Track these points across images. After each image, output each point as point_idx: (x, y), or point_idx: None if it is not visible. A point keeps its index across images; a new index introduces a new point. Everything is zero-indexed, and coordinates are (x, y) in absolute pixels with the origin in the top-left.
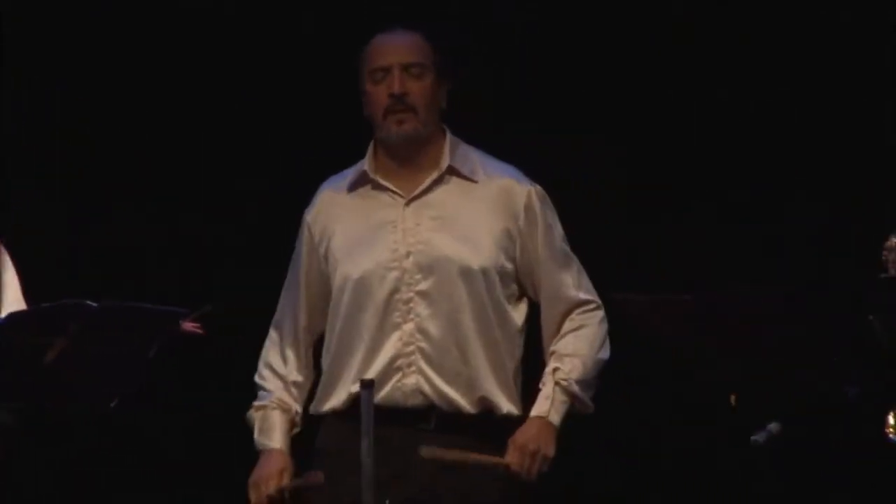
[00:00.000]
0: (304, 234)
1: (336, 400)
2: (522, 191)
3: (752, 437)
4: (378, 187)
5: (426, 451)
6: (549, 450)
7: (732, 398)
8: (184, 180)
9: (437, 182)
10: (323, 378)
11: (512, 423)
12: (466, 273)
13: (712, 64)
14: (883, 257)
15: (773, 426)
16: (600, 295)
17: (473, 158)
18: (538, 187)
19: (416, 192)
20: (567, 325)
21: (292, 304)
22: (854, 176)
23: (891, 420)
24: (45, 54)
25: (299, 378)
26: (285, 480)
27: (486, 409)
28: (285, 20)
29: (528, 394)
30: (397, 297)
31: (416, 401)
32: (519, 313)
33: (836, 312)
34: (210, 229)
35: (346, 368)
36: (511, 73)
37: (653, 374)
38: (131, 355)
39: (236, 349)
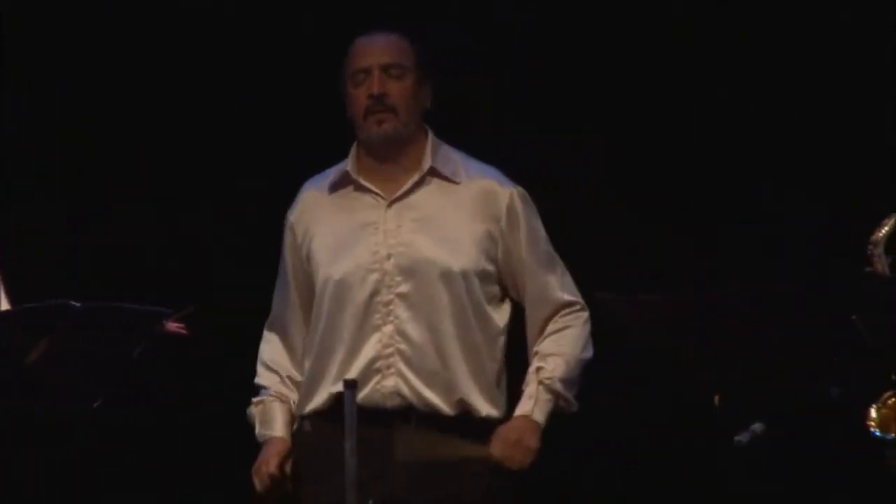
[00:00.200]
0: (288, 235)
1: (318, 400)
2: (504, 193)
3: (736, 438)
4: (360, 188)
5: (410, 451)
6: (533, 441)
7: (716, 399)
8: (180, 180)
9: (419, 184)
10: (305, 379)
11: (492, 426)
12: (446, 275)
13: (709, 63)
14: (868, 252)
15: (757, 426)
16: (586, 295)
17: (455, 160)
18: (520, 189)
19: (398, 193)
20: (551, 327)
21: (283, 304)
22: (852, 175)
23: (873, 413)
24: (45, 54)
25: (296, 373)
26: (284, 461)
27: (465, 412)
28: (282, 20)
29: (514, 396)
30: (377, 298)
31: (395, 402)
32: (501, 315)
33: (819, 313)
34: (208, 229)
35: (327, 369)
36: (508, 72)
37: (637, 374)
38: (115, 355)
39: (233, 348)
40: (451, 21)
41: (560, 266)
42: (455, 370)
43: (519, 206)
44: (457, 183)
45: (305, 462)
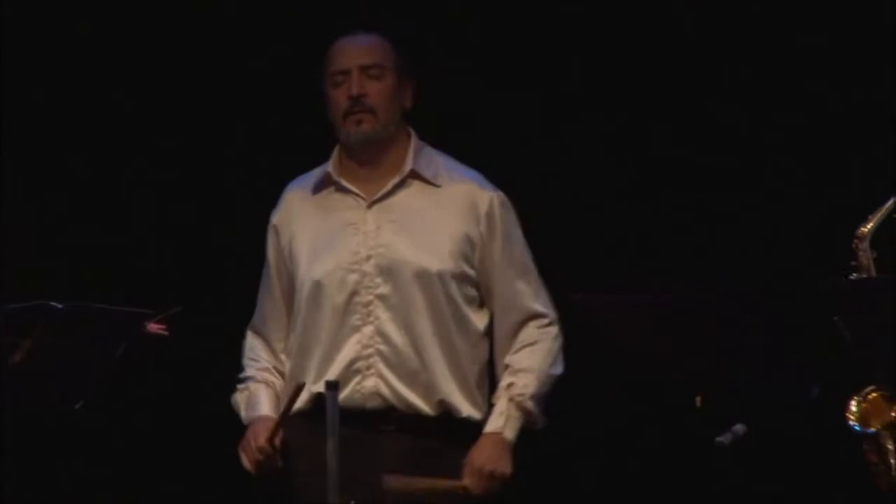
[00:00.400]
0: (272, 237)
1: (299, 401)
2: (485, 197)
3: (717, 439)
4: (341, 189)
5: (387, 484)
6: (506, 468)
7: (697, 399)
8: (166, 181)
9: (400, 185)
10: (287, 379)
11: (472, 427)
12: (424, 277)
13: (692, 59)
14: (853, 245)
15: (739, 427)
16: (565, 295)
17: (437, 162)
18: (500, 194)
19: (378, 195)
20: (521, 338)
21: (267, 305)
22: (837, 174)
23: (853, 407)
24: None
25: (283, 368)
26: (272, 432)
27: (446, 412)
28: (265, 20)
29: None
30: (357, 299)
31: (375, 403)
32: (481, 318)
33: (800, 312)
34: (193, 230)
35: (307, 370)
36: (489, 72)
37: (617, 374)
38: (97, 356)
39: (218, 349)
40: (430, 21)
41: (535, 276)
42: (435, 371)
43: (498, 211)
44: (437, 186)
45: (287, 462)
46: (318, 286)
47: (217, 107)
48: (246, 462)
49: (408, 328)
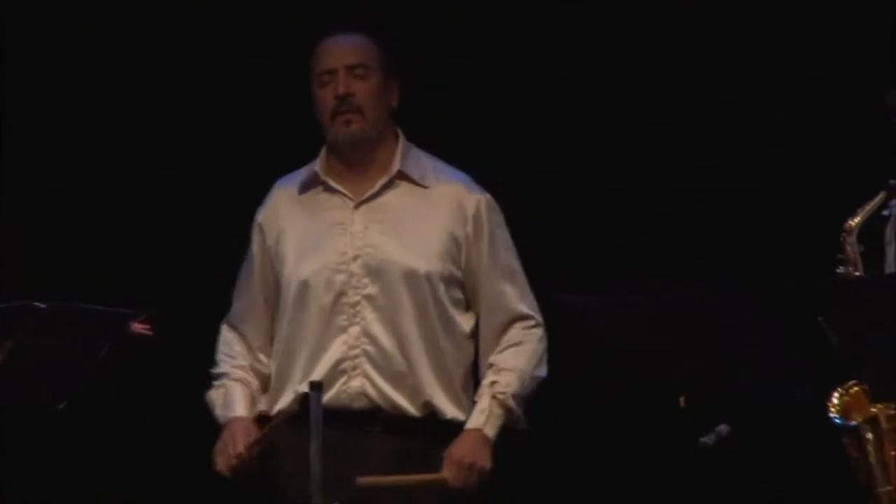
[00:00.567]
0: (256, 235)
1: (284, 401)
2: (472, 199)
3: (701, 440)
4: (329, 189)
5: (362, 481)
6: (486, 462)
7: (681, 400)
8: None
9: (387, 186)
10: (272, 379)
11: (457, 428)
12: (412, 278)
13: (700, 62)
14: (841, 239)
15: (722, 428)
16: (551, 295)
17: (425, 164)
18: (488, 196)
19: (366, 195)
20: (506, 339)
21: (246, 303)
22: (823, 174)
23: (834, 400)
24: None
25: (258, 364)
26: (250, 438)
27: (431, 414)
28: (251, 19)
29: None
30: (344, 300)
31: (361, 403)
32: (466, 320)
33: (784, 313)
34: (176, 229)
35: (293, 370)
36: (474, 73)
37: (601, 375)
38: (81, 356)
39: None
40: (431, 21)
41: (521, 279)
42: (420, 372)
43: (485, 213)
44: (425, 187)
45: (272, 462)
46: (304, 286)
47: (217, 107)
48: (221, 466)
49: (394, 329)
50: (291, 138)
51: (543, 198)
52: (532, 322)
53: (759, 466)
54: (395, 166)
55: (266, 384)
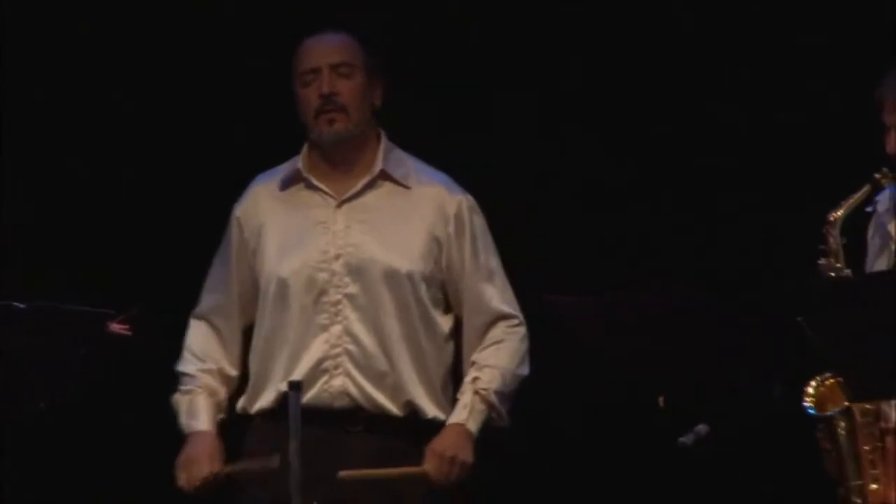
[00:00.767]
0: (234, 229)
1: (265, 400)
2: (453, 200)
3: (680, 439)
4: (311, 187)
5: (344, 474)
6: (468, 456)
7: (660, 400)
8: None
9: (370, 186)
10: (251, 377)
11: (438, 428)
12: (393, 277)
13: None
14: (824, 230)
15: (701, 428)
16: (532, 295)
17: (407, 164)
18: (469, 197)
19: (348, 194)
20: (489, 337)
21: (220, 296)
22: (806, 175)
23: (810, 390)
24: None
25: (227, 367)
26: (217, 463)
27: (412, 413)
28: (231, 17)
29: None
30: (325, 298)
31: (343, 402)
32: (447, 320)
33: (764, 313)
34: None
35: (274, 369)
36: (456, 74)
37: (580, 374)
38: (59, 356)
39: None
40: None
41: (502, 278)
42: (402, 372)
43: (467, 214)
44: (407, 187)
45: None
46: (285, 284)
47: (217, 107)
48: (183, 481)
49: (376, 328)
50: (292, 138)
51: (543, 198)
52: (515, 321)
53: (738, 465)
54: (378, 166)
55: (232, 388)
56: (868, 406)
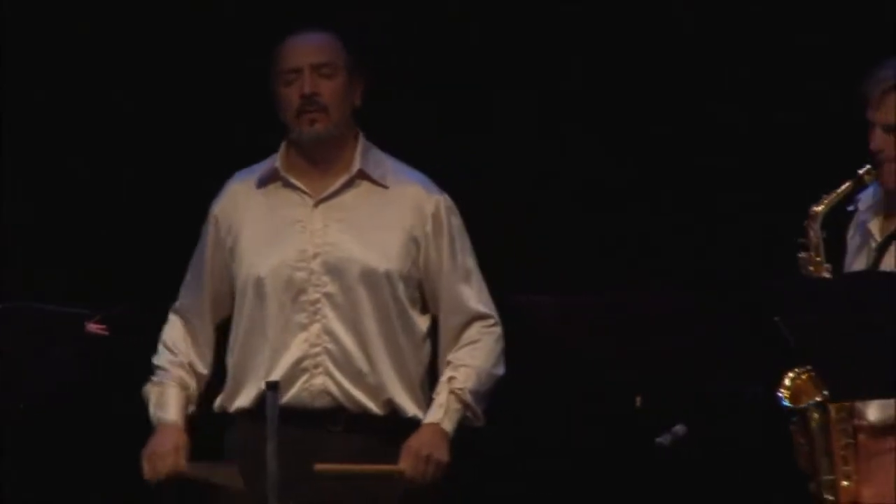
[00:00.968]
0: (211, 227)
1: (244, 399)
2: (431, 199)
3: (658, 440)
4: (288, 185)
5: (320, 466)
6: (443, 455)
7: (637, 400)
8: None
9: (348, 185)
10: (229, 376)
11: (418, 427)
12: (371, 277)
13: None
14: (805, 224)
15: (679, 428)
16: (508, 296)
17: (385, 164)
18: (447, 197)
19: (326, 193)
20: (465, 337)
21: (194, 293)
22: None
23: (786, 382)
24: None
25: (198, 363)
26: (181, 458)
27: (393, 412)
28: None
29: None
30: (304, 297)
31: (323, 402)
32: (424, 320)
33: (740, 313)
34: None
35: (253, 368)
36: (432, 74)
37: (557, 375)
38: (37, 357)
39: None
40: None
41: (478, 279)
42: (382, 371)
43: (444, 214)
44: (385, 187)
45: (232, 461)
46: (263, 282)
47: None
48: (147, 471)
49: (355, 327)
50: (218, 134)
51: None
52: (491, 321)
53: (714, 465)
54: (356, 165)
55: (202, 385)
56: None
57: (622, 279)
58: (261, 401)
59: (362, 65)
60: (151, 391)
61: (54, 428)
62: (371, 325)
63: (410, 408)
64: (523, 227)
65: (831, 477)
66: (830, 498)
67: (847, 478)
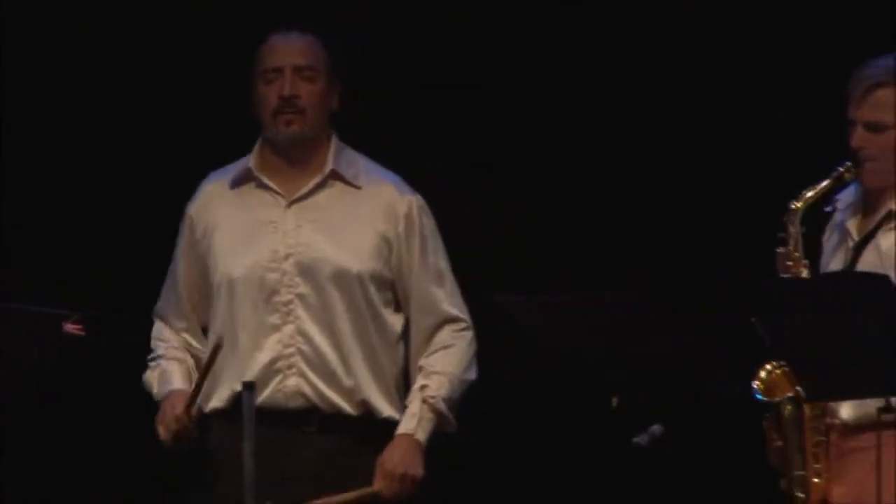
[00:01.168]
0: (186, 229)
1: (218, 400)
2: (403, 200)
3: (635, 440)
4: (261, 186)
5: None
6: (418, 470)
7: (614, 400)
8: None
9: (321, 186)
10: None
11: (393, 427)
12: (343, 277)
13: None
14: (784, 218)
15: (656, 428)
16: (484, 296)
17: (358, 164)
18: (419, 198)
19: (299, 194)
20: (436, 342)
21: (175, 299)
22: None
23: (762, 374)
24: None
25: (192, 349)
26: (191, 413)
27: (367, 413)
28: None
29: None
30: (277, 298)
31: (297, 402)
32: (397, 320)
33: (718, 313)
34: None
35: (227, 368)
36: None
37: (534, 375)
38: (13, 357)
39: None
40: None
41: (450, 281)
42: (356, 371)
43: (416, 214)
44: (358, 187)
45: (209, 462)
46: (236, 283)
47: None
48: (162, 433)
49: (328, 328)
50: (193, 134)
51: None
52: (462, 325)
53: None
54: (329, 165)
55: (199, 362)
56: None
57: (622, 279)
58: (235, 401)
59: (342, 70)
60: (151, 376)
61: (50, 428)
62: (344, 326)
63: (385, 408)
64: (523, 227)
65: (803, 473)
66: (801, 495)
67: (818, 475)
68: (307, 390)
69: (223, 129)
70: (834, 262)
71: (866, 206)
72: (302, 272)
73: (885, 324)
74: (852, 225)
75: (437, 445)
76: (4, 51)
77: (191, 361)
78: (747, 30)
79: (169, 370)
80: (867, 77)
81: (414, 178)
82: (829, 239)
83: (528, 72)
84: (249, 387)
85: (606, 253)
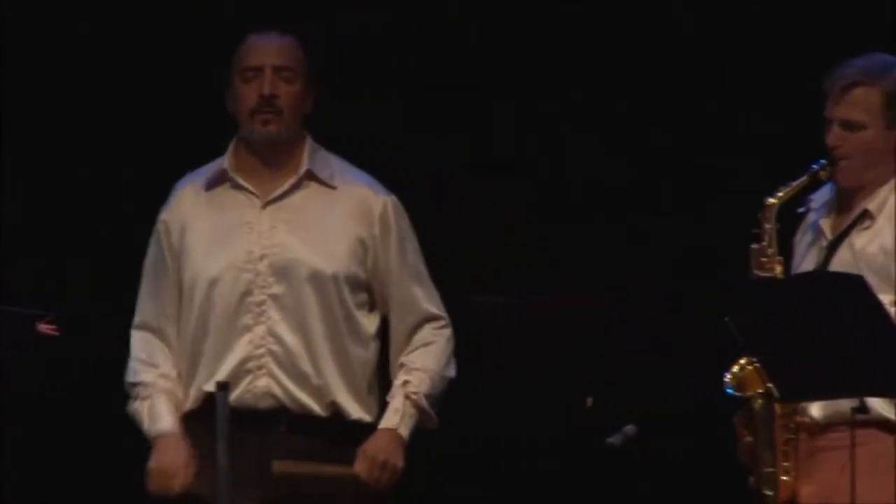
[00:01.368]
0: (161, 233)
1: (190, 400)
2: (378, 201)
3: (608, 440)
4: (236, 186)
5: (278, 466)
6: (398, 461)
7: (588, 400)
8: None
9: (296, 186)
10: (181, 378)
11: (363, 429)
12: (317, 278)
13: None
14: (760, 215)
15: (629, 428)
16: (459, 297)
17: (332, 165)
18: (394, 198)
19: (274, 195)
20: (417, 339)
21: (156, 303)
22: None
23: (735, 369)
24: None
25: (172, 373)
26: (190, 476)
27: (337, 414)
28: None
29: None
30: (250, 299)
31: (267, 403)
32: (371, 322)
33: (692, 314)
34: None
35: (198, 369)
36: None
37: (508, 375)
38: None
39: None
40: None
41: (427, 280)
42: (326, 373)
43: (392, 215)
44: (333, 188)
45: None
46: (210, 285)
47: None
48: (155, 488)
49: (300, 329)
50: (168, 135)
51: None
52: (442, 322)
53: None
54: (304, 166)
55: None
56: None
57: (622, 279)
58: (203, 402)
59: (318, 72)
60: (140, 409)
61: (46, 428)
62: (317, 327)
63: (354, 410)
64: (523, 227)
65: (772, 470)
66: (769, 493)
67: (787, 473)
68: (277, 391)
69: (223, 129)
70: (807, 261)
71: (840, 205)
72: (276, 273)
73: (858, 324)
74: (826, 224)
75: (416, 443)
76: (4, 51)
77: (179, 393)
78: (747, 30)
79: (157, 406)
80: (844, 76)
81: (414, 178)
82: (802, 239)
83: (527, 72)
84: (224, 387)
85: (606, 253)
